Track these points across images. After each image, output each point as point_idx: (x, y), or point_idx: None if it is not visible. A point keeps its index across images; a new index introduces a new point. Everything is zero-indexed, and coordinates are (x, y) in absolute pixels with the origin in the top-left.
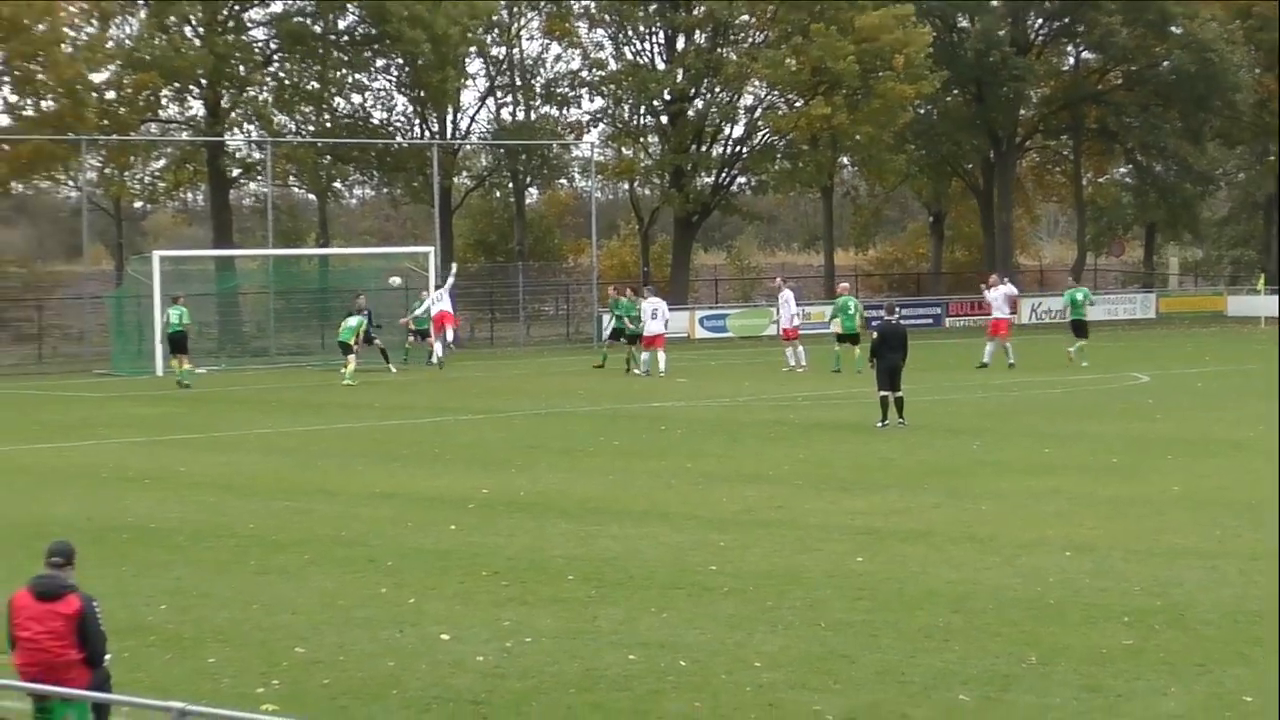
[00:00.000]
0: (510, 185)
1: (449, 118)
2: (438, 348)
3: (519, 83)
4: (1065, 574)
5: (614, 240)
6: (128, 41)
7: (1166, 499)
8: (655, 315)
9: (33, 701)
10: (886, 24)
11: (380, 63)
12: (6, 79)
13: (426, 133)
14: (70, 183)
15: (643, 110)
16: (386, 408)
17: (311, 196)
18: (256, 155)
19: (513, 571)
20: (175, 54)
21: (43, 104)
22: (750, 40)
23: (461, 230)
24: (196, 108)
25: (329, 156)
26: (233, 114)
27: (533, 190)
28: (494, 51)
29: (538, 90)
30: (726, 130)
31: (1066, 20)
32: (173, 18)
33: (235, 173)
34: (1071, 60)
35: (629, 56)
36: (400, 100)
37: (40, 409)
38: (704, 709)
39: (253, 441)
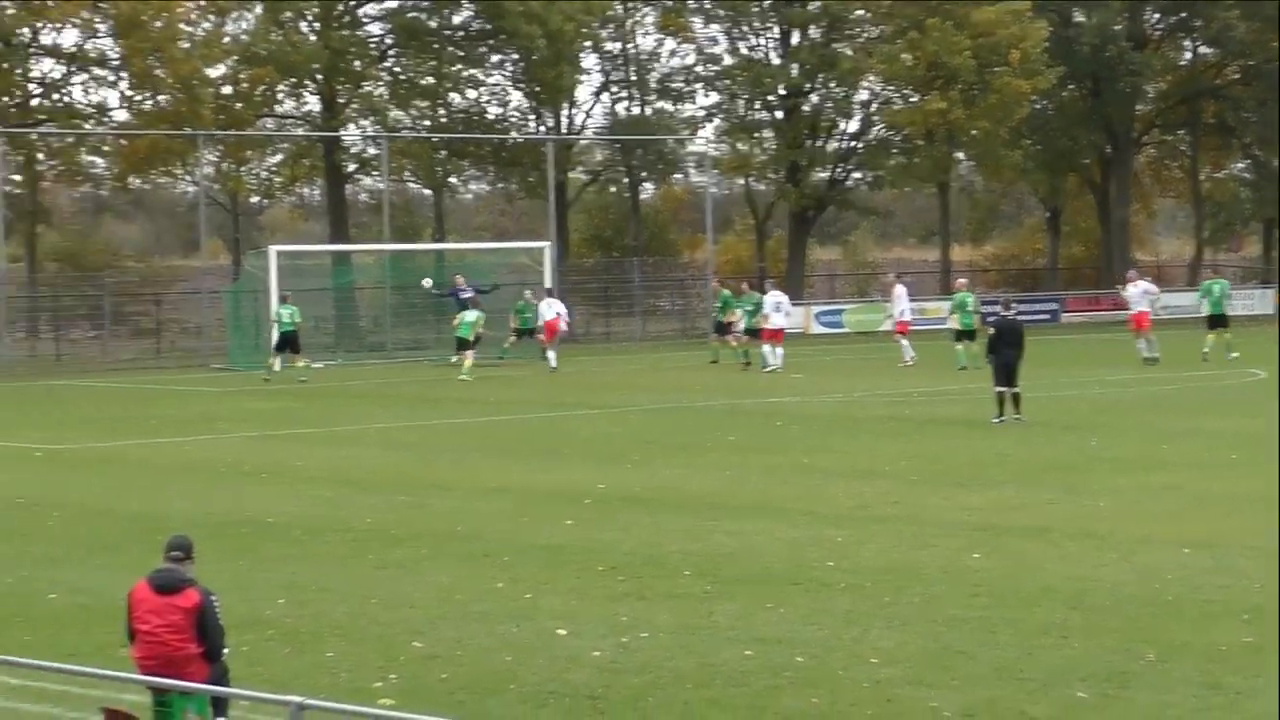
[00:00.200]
0: (625, 180)
1: (564, 112)
2: (552, 356)
3: (634, 77)
4: (1183, 570)
5: (730, 235)
6: (244, 37)
7: None
8: (779, 309)
9: (152, 695)
10: (1003, 19)
11: (495, 58)
12: (125, 75)
13: (541, 128)
14: (188, 178)
15: (758, 105)
16: (503, 403)
17: (427, 192)
18: (372, 150)
19: (629, 567)
20: (291, 49)
21: (160, 99)
22: (865, 35)
23: (577, 225)
24: (312, 103)
25: (444, 152)
26: (348, 109)
27: (648, 185)
28: (609, 46)
29: (652, 85)
30: (842, 125)
31: (1183, 14)
32: (288, 13)
33: (351, 168)
34: (1189, 55)
35: (744, 51)
36: (515, 95)
37: (157, 403)
38: (821, 705)
39: (370, 436)
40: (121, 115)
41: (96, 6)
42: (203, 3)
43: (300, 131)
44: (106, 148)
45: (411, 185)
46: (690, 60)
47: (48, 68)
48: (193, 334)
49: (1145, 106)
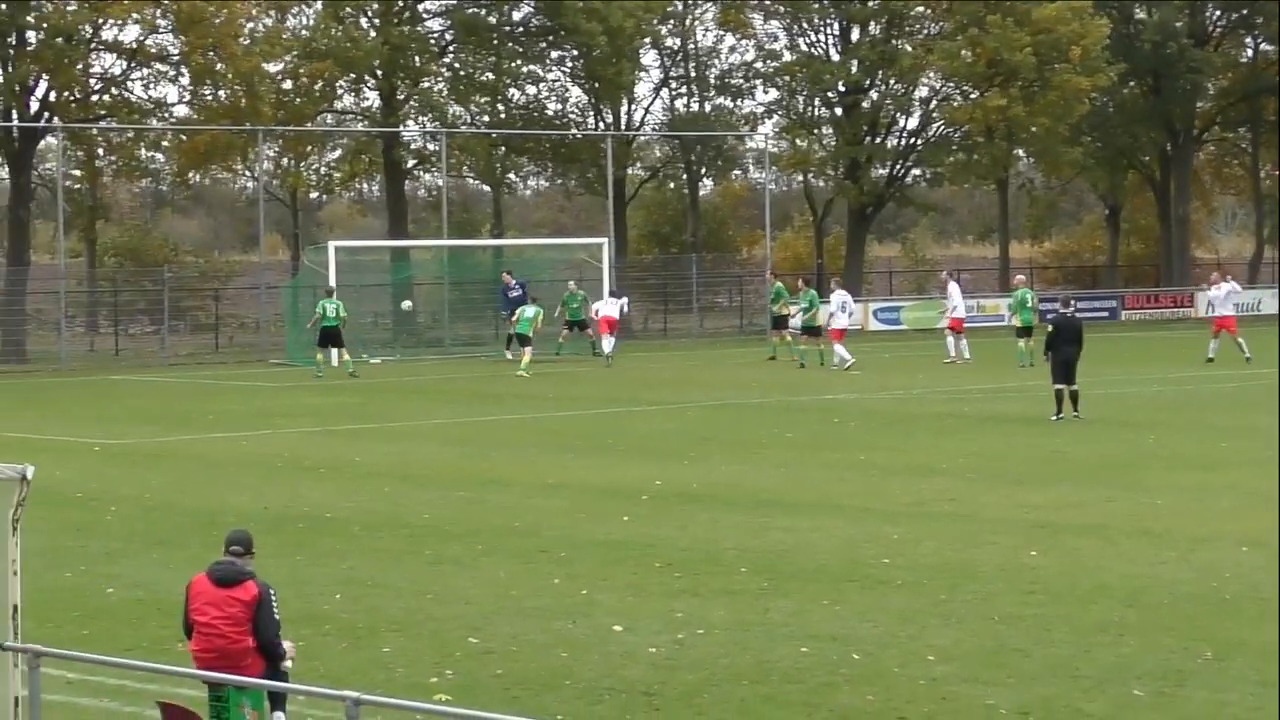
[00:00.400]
0: (684, 177)
1: (623, 109)
2: (607, 345)
3: (693, 74)
4: (1241, 569)
5: (788, 232)
6: (304, 32)
7: None
8: (844, 309)
9: (209, 690)
10: (1063, 15)
11: (555, 54)
12: (185, 70)
13: (600, 124)
14: (247, 173)
15: (817, 102)
16: (560, 399)
17: (486, 188)
18: (431, 146)
19: (685, 563)
20: (351, 45)
21: (220, 95)
22: (925, 32)
23: (635, 221)
24: (372, 99)
25: (503, 148)
26: (408, 105)
27: (706, 182)
28: (668, 43)
29: (712, 81)
30: (901, 122)
31: (1244, 11)
32: (348, 9)
33: (410, 164)
34: (1250, 52)
35: (803, 48)
36: (575, 91)
37: (216, 399)
38: (876, 702)
39: (427, 431)
40: (181, 111)
41: (160, 3)
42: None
43: (360, 127)
44: (166, 143)
45: (470, 181)
46: (750, 56)
47: (108, 63)
48: (251, 329)
49: (1206, 103)
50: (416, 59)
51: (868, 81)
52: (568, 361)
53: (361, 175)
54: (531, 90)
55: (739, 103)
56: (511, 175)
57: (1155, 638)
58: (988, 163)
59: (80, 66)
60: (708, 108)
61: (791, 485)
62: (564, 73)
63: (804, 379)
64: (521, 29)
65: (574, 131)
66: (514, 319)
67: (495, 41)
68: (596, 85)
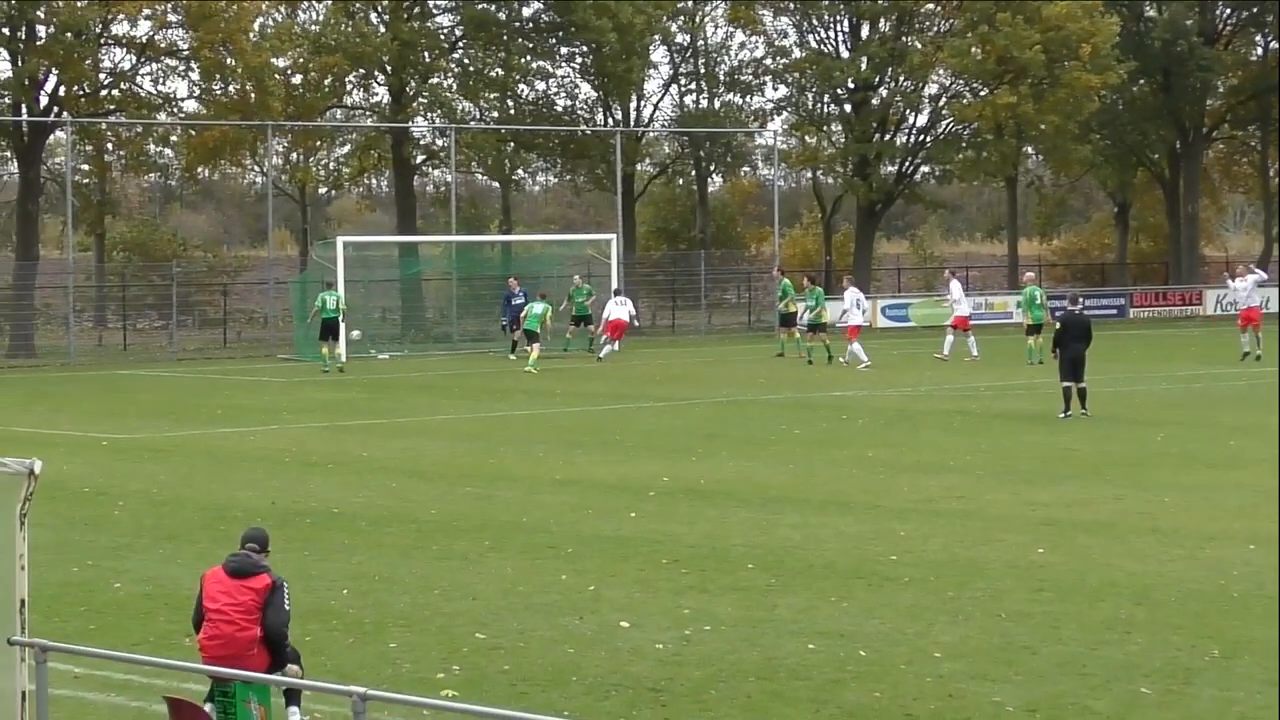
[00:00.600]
0: (693, 173)
1: (632, 105)
2: (607, 347)
3: (703, 70)
4: (1250, 567)
5: (796, 229)
6: (313, 27)
7: None
8: (859, 305)
9: (214, 684)
10: (1073, 13)
11: (564, 50)
12: (194, 65)
13: (610, 120)
14: (256, 168)
15: (826, 98)
16: (568, 395)
17: (494, 184)
18: (440, 142)
19: (692, 559)
20: (360, 40)
21: (229, 89)
22: (935, 29)
23: (644, 217)
24: (381, 94)
25: (512, 144)
26: (417, 101)
27: (715, 178)
28: (678, 39)
29: (721, 78)
30: (910, 119)
31: (1255, 10)
32: (358, 4)
33: (419, 159)
34: (1260, 50)
35: (813, 44)
36: (584, 87)
37: (224, 393)
38: (883, 699)
39: (435, 427)
40: (191, 105)
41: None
42: None
43: (369, 122)
44: (175, 138)
45: (479, 177)
46: (759, 53)
47: (118, 57)
48: (259, 324)
49: (1215, 102)
50: (426, 55)
51: (877, 78)
52: (575, 357)
53: (370, 171)
54: (541, 86)
55: (748, 99)
56: (520, 171)
57: (1163, 635)
58: (997, 160)
59: (89, 61)
60: (717, 104)
61: (799, 482)
62: (573, 69)
63: (812, 376)
64: (531, 25)
65: (583, 128)
66: (522, 316)
67: (505, 37)
68: (606, 81)
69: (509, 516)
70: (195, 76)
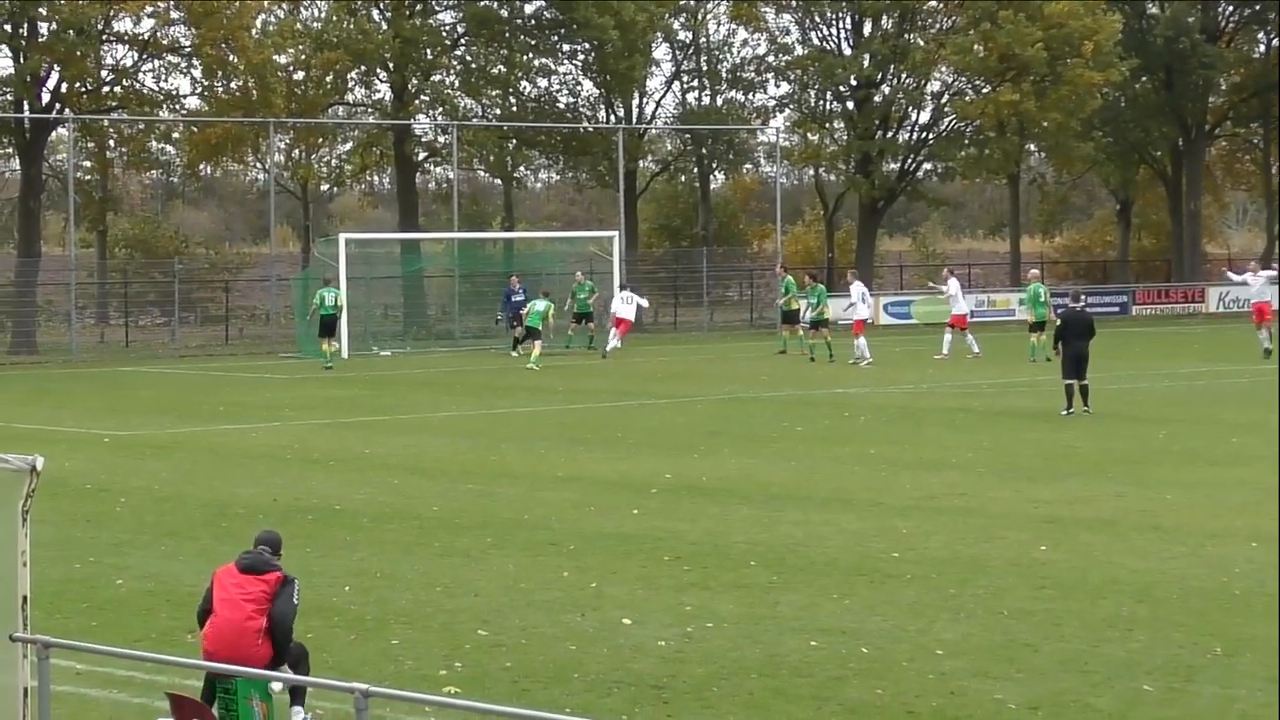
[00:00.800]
0: (695, 170)
1: (634, 102)
2: (612, 342)
3: (705, 67)
4: (1251, 564)
5: (799, 226)
6: (315, 24)
7: None
8: (864, 299)
9: (216, 681)
10: (1075, 10)
11: (566, 48)
12: (196, 62)
13: (612, 117)
14: (258, 165)
15: (829, 95)
16: (570, 391)
17: (496, 181)
18: (442, 139)
19: (694, 557)
20: (362, 37)
21: (231, 86)
22: (937, 26)
23: (646, 215)
24: (383, 91)
25: (514, 141)
26: (419, 98)
27: (718, 175)
28: (680, 36)
29: (723, 75)
30: (913, 116)
31: (1257, 7)
32: (360, 1)
33: (421, 156)
34: (1262, 47)
35: (815, 42)
36: (586, 85)
37: (226, 390)
38: (885, 696)
39: (437, 424)
40: (193, 102)
41: None
42: None
43: (371, 120)
44: (177, 135)
45: (481, 174)
46: (762, 50)
47: (120, 54)
48: (261, 321)
49: (1218, 99)
50: (428, 52)
51: (879, 76)
52: (577, 354)
53: (372, 168)
54: (543, 83)
55: (750, 96)
56: (522, 168)
57: (1165, 633)
58: (999, 157)
59: (92, 58)
60: (719, 101)
61: (801, 479)
62: (576, 66)
63: (814, 373)
64: (533, 22)
65: (585, 125)
66: (524, 313)
67: (507, 35)
68: (608, 79)
69: (511, 513)
70: (197, 73)
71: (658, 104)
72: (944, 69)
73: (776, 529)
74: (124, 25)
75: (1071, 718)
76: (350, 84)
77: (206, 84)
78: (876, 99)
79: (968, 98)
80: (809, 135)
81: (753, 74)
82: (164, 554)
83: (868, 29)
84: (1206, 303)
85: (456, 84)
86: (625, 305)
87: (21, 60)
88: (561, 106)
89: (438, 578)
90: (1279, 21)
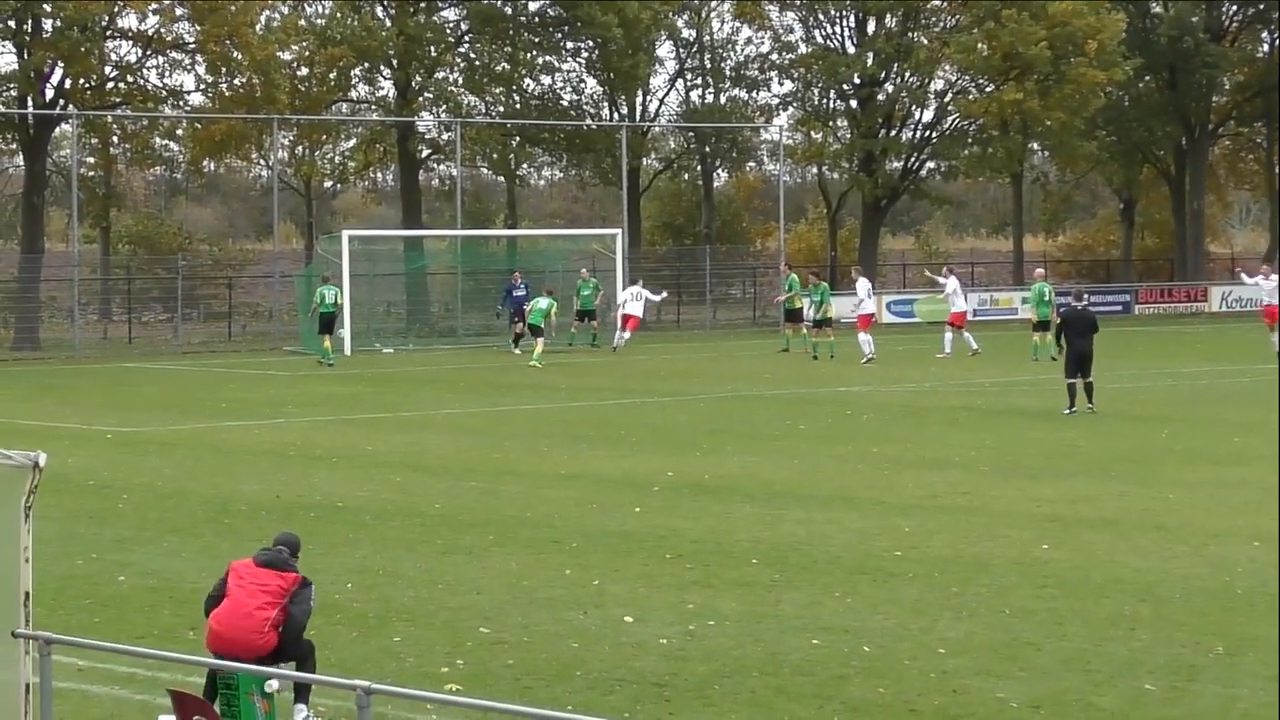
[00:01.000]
0: (698, 168)
1: (638, 100)
2: (619, 338)
3: (708, 66)
4: (1254, 564)
5: (801, 224)
6: (319, 21)
7: None
8: (870, 295)
9: (217, 678)
10: (1079, 9)
11: (570, 45)
12: (200, 58)
13: (615, 115)
14: (261, 162)
15: (832, 94)
16: (572, 389)
17: (500, 178)
18: (446, 136)
19: (697, 555)
20: (366, 34)
21: (235, 82)
22: (941, 24)
23: (649, 212)
24: (387, 88)
25: (518, 138)
26: (422, 95)
27: (721, 173)
28: (684, 34)
29: (727, 73)
30: (916, 115)
31: (1261, 6)
32: None
33: (425, 153)
34: (1266, 47)
35: (819, 40)
36: (590, 82)
37: (229, 387)
38: (887, 695)
39: (440, 421)
40: (197, 99)
41: None
42: None
43: (374, 117)
44: (180, 131)
45: (484, 171)
46: (765, 48)
47: (124, 51)
48: (265, 318)
49: (1221, 98)
50: (432, 49)
51: (883, 74)
52: (580, 352)
53: (376, 165)
54: (546, 81)
55: (754, 95)
56: (526, 166)
57: (1167, 632)
58: (1002, 156)
59: (95, 55)
60: (723, 99)
61: (804, 477)
62: (579, 64)
63: (817, 371)
64: (537, 20)
65: (589, 122)
66: (526, 310)
67: (511, 32)
68: (612, 76)
69: (513, 511)
70: (201, 70)
71: (661, 102)
72: (947, 67)
73: (779, 527)
74: (128, 21)
75: (1074, 717)
76: (354, 81)
77: (210, 80)
78: (880, 97)
79: (971, 96)
80: (812, 133)
81: (756, 72)
82: (166, 551)
83: (871, 27)
84: (1209, 302)
85: (460, 81)
86: (634, 302)
87: (25, 56)
88: (565, 104)
89: (440, 575)
90: None
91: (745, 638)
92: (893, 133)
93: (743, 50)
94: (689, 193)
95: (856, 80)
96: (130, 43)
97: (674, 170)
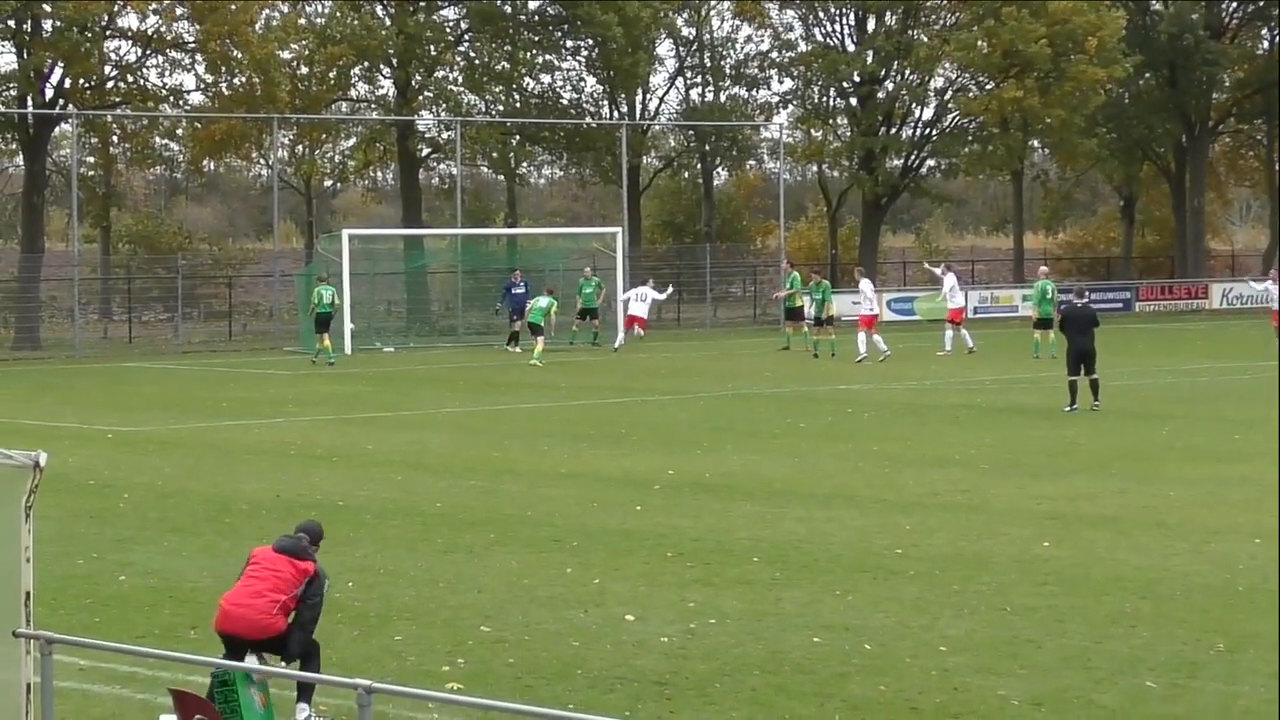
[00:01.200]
0: (698, 166)
1: (638, 98)
2: (621, 336)
3: (709, 64)
4: (1255, 561)
5: (802, 222)
6: (319, 20)
7: None
8: (870, 295)
9: (216, 675)
10: (1079, 7)
11: (570, 44)
12: (200, 57)
13: (615, 113)
14: (261, 161)
15: (832, 92)
16: (573, 388)
17: (500, 177)
18: (446, 135)
19: (697, 553)
20: (366, 33)
21: (235, 82)
22: (941, 22)
23: (649, 211)
24: (386, 87)
25: (518, 137)
26: (422, 94)
27: (721, 171)
28: (684, 32)
29: (727, 71)
30: (916, 112)
31: (1261, 4)
32: None
33: (425, 152)
34: (1266, 44)
35: (819, 38)
36: (590, 81)
37: (229, 386)
38: (888, 692)
39: (440, 420)
40: (197, 98)
41: None
42: None
43: (374, 115)
44: (180, 130)
45: (484, 170)
46: (765, 46)
47: (124, 50)
48: (265, 317)
49: (1221, 95)
50: (431, 48)
51: (883, 72)
52: (581, 350)
53: (376, 164)
54: (546, 80)
55: (754, 93)
56: (525, 164)
57: (1168, 629)
58: (1003, 154)
59: (95, 54)
60: (723, 97)
61: (804, 475)
62: (579, 62)
63: (817, 369)
64: (537, 18)
65: (589, 121)
66: (527, 309)
67: (510, 31)
68: (611, 75)
69: (514, 510)
70: (201, 69)
71: (661, 100)
72: (947, 65)
73: (779, 525)
74: (128, 21)
75: (1075, 714)
76: (354, 80)
77: (210, 80)
78: (880, 95)
79: (971, 94)
80: (812, 131)
81: (756, 70)
82: (167, 550)
83: (871, 25)
84: (1210, 299)
85: (460, 80)
86: (639, 303)
87: (25, 56)
88: (565, 103)
89: (441, 574)
90: None
91: (746, 636)
92: (893, 130)
93: (743, 48)
94: (689, 191)
95: (856, 78)
96: (130, 42)
97: (674, 168)
